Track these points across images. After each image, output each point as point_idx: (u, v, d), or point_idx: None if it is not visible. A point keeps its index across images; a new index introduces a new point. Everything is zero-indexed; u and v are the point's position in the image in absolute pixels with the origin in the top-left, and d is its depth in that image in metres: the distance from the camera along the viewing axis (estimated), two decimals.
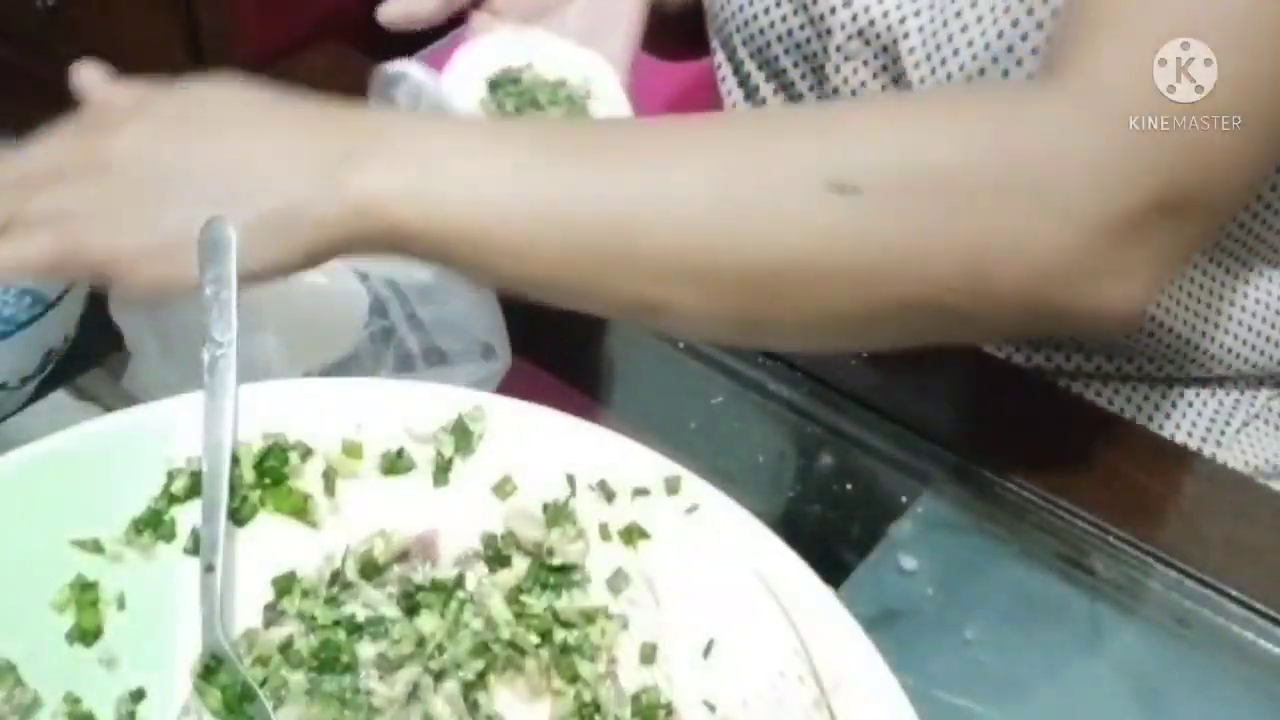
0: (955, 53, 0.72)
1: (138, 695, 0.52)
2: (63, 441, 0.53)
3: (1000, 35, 0.71)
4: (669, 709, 0.52)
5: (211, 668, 0.51)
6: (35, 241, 0.55)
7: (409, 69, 0.68)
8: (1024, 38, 0.70)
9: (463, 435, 0.56)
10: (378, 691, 0.53)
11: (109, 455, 0.54)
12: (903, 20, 0.74)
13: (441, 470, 0.56)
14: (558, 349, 0.73)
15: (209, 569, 0.52)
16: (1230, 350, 0.80)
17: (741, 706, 0.51)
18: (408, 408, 0.56)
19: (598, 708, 0.53)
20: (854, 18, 0.76)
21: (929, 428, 0.68)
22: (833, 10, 0.77)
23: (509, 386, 0.65)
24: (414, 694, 0.53)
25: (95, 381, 0.67)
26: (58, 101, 0.70)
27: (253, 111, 0.58)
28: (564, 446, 0.55)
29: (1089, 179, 0.54)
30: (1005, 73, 0.71)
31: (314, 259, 0.56)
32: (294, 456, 0.55)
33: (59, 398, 0.66)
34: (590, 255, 0.56)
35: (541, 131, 0.60)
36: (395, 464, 0.56)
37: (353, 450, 0.56)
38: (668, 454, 0.55)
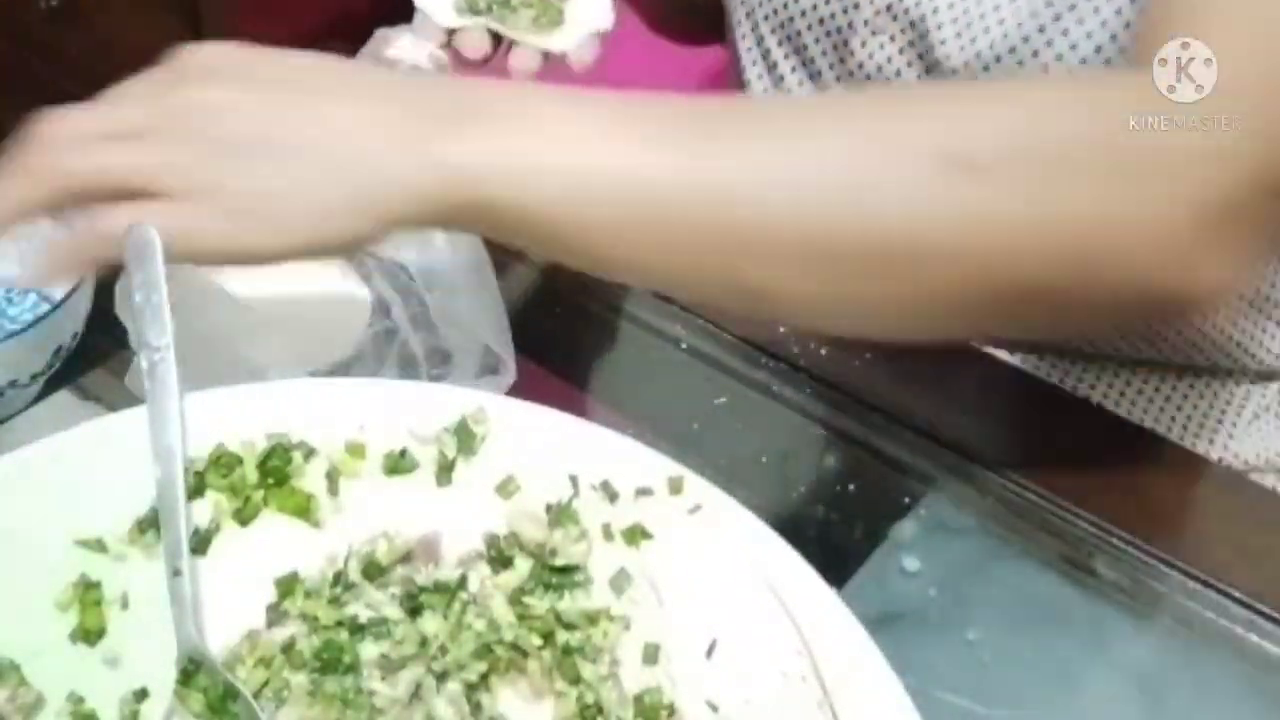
0: (986, 30, 0.73)
1: (141, 695, 0.52)
2: (66, 441, 0.54)
3: (1033, 14, 0.71)
4: (671, 709, 0.52)
5: (190, 671, 0.51)
6: (118, 215, 0.52)
7: (408, 51, 0.69)
8: (1057, 18, 0.71)
9: (465, 436, 0.56)
10: (380, 692, 0.53)
11: (112, 455, 0.54)
12: None
13: (444, 471, 0.56)
14: (560, 350, 0.73)
15: (176, 573, 0.52)
16: (1265, 345, 0.80)
17: (744, 706, 0.51)
18: (411, 408, 0.56)
19: (600, 709, 0.53)
20: None
21: (932, 429, 0.68)
22: None
23: (511, 387, 0.65)
24: (416, 695, 0.53)
25: (98, 381, 0.67)
26: (59, 101, 0.70)
27: (348, 80, 0.56)
28: (567, 447, 0.55)
29: (1195, 158, 0.54)
30: (1035, 53, 0.71)
31: (399, 227, 0.54)
32: (297, 456, 0.56)
33: (62, 398, 0.66)
34: (694, 241, 0.54)
35: (645, 109, 0.57)
36: (398, 464, 0.56)
37: (356, 450, 0.56)
38: (670, 454, 0.55)
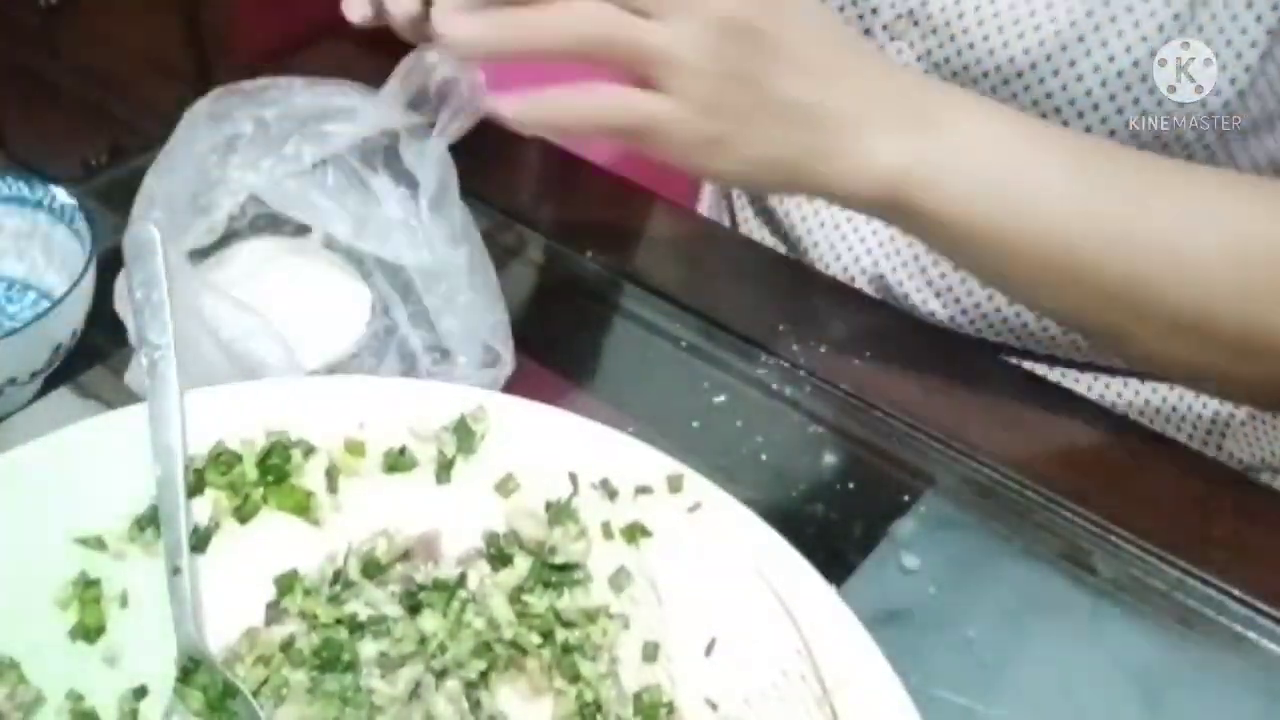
0: (1020, 36, 0.71)
1: (140, 693, 0.52)
2: (65, 439, 0.54)
3: (1073, 24, 0.70)
4: (671, 708, 0.52)
5: (189, 669, 0.51)
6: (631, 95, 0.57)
7: (445, 64, 0.68)
8: (1096, 28, 0.70)
9: (465, 434, 0.56)
10: (379, 690, 0.53)
11: (111, 452, 0.54)
12: (957, 1, 0.73)
13: (444, 468, 0.56)
14: (560, 347, 0.73)
15: (175, 571, 0.52)
16: None
17: (744, 705, 0.51)
18: (410, 406, 0.56)
19: (599, 707, 0.53)
20: None
21: (931, 426, 0.68)
22: None
23: (511, 385, 0.65)
24: (415, 693, 0.53)
25: (98, 379, 0.67)
26: (58, 100, 0.70)
27: (848, 59, 0.61)
28: (566, 445, 0.55)
29: None
30: (1072, 63, 0.70)
31: (815, 194, 0.63)
32: (296, 454, 0.56)
33: (61, 395, 0.66)
34: (1087, 284, 0.61)
35: (1075, 145, 0.64)
36: (398, 462, 0.56)
37: (355, 448, 0.56)
38: (670, 452, 0.55)
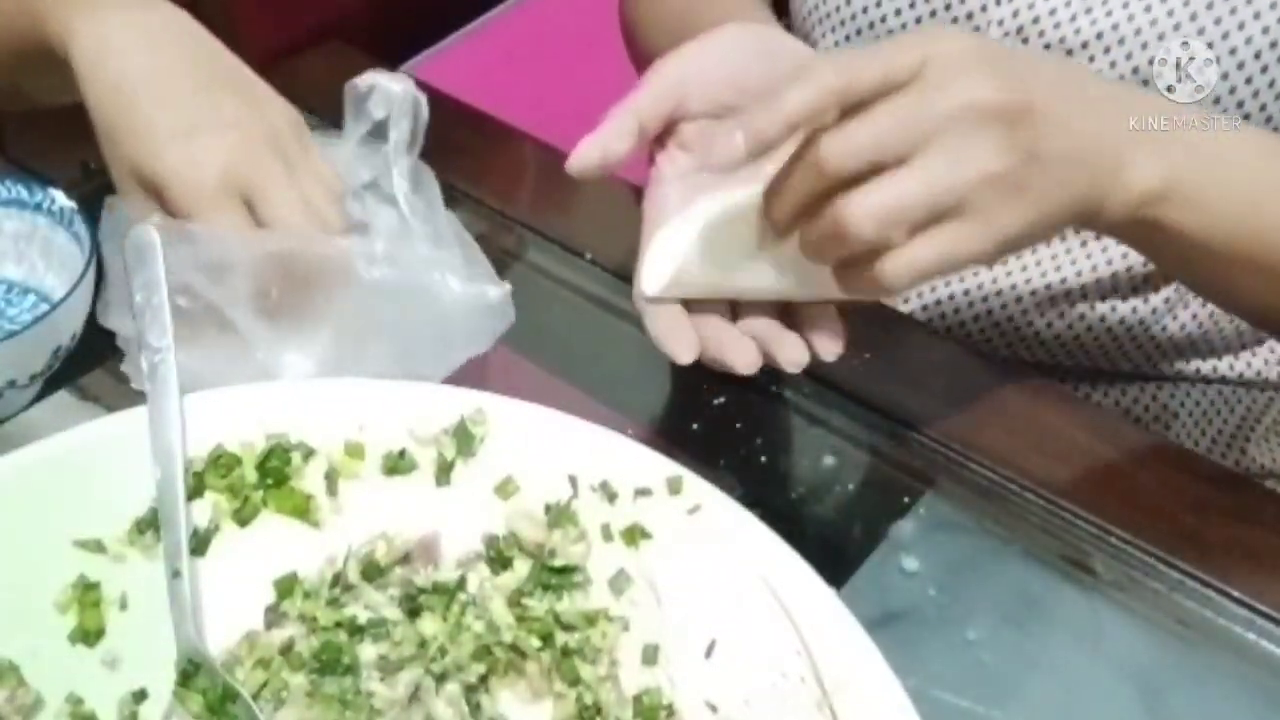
0: (1144, 46, 0.71)
1: (140, 696, 0.52)
2: (65, 442, 0.54)
3: (1200, 31, 0.69)
4: (670, 710, 0.52)
5: (189, 672, 0.51)
6: (966, 234, 0.54)
7: (378, 79, 0.68)
8: (1224, 35, 0.70)
9: (464, 437, 0.56)
10: (379, 693, 0.53)
11: (111, 455, 0.54)
12: (1074, 18, 0.72)
13: (443, 471, 0.56)
14: (560, 349, 0.73)
15: (175, 574, 0.52)
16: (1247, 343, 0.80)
17: (743, 707, 0.51)
18: (410, 408, 0.56)
19: (599, 710, 0.53)
20: (1015, 14, 0.74)
21: (931, 428, 0.68)
22: (983, 8, 0.74)
23: (511, 386, 0.65)
24: (415, 696, 0.53)
25: (98, 382, 0.67)
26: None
27: (1095, 97, 0.59)
28: (566, 447, 0.55)
29: None
30: (1221, 99, 0.70)
31: (1081, 227, 0.61)
32: (296, 457, 0.56)
33: (62, 398, 0.66)
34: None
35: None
36: (397, 464, 0.56)
37: (355, 451, 0.56)
38: (670, 454, 0.55)
